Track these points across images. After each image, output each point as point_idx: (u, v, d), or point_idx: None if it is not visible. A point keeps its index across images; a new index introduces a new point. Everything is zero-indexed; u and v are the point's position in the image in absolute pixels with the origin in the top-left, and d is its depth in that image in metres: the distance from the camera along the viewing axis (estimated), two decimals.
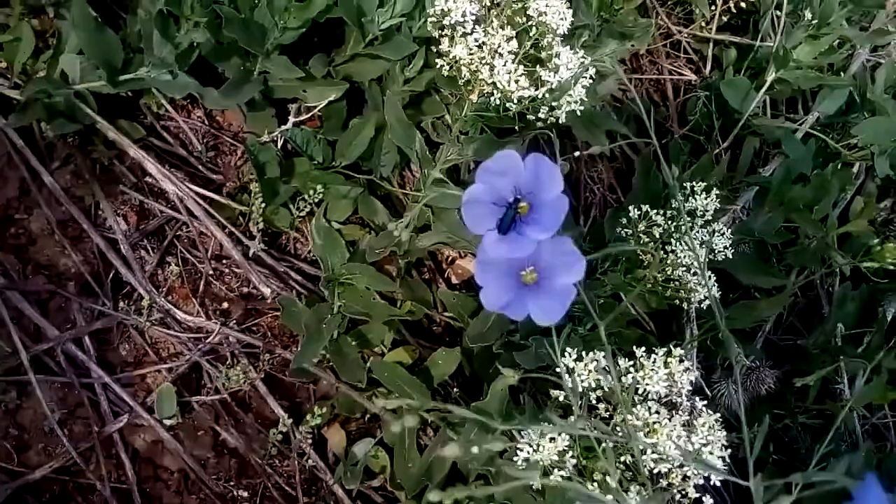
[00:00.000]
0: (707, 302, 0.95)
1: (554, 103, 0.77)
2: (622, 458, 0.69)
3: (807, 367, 1.34)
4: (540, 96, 0.79)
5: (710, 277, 0.94)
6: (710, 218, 0.99)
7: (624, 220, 0.99)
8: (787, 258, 1.35)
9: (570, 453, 0.68)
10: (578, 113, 0.80)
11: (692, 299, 0.94)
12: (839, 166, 1.36)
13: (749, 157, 1.35)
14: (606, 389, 0.71)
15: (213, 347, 1.12)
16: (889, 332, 1.29)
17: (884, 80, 1.39)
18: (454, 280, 1.31)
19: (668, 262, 0.94)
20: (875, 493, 0.34)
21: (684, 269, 0.93)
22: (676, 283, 0.96)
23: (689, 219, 0.98)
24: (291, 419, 1.10)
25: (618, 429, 0.66)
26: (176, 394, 1.09)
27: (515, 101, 0.79)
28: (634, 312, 1.12)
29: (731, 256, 0.98)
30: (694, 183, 0.98)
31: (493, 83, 0.78)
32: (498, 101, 0.80)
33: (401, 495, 1.16)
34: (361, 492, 1.14)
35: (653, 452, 0.66)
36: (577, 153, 0.97)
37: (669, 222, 0.99)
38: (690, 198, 0.98)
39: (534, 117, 0.81)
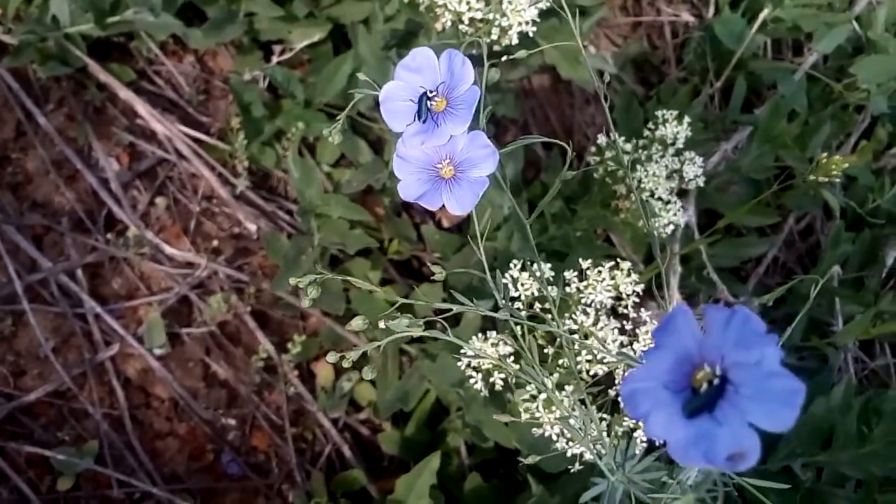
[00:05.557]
0: (672, 229, 0.95)
1: (505, 24, 0.78)
2: (561, 362, 0.70)
3: (800, 309, 1.33)
4: (491, 18, 0.79)
5: (676, 203, 0.94)
6: (681, 147, 0.98)
7: (594, 150, 0.99)
8: (784, 200, 1.33)
9: (512, 359, 0.70)
10: (531, 34, 0.80)
11: (658, 225, 0.94)
12: (841, 108, 1.34)
13: (741, 97, 1.33)
14: (552, 298, 0.72)
15: (201, 282, 1.16)
16: (889, 277, 1.27)
17: (884, 18, 1.35)
18: (445, 224, 1.32)
19: (635, 188, 0.94)
20: (684, 319, 0.32)
21: (648, 194, 0.93)
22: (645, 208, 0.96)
23: (660, 147, 0.98)
24: (275, 346, 1.14)
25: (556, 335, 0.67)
26: (166, 326, 1.13)
27: (466, 22, 0.80)
28: (612, 246, 1.13)
29: (702, 185, 0.98)
30: (665, 111, 0.98)
31: (444, 4, 0.79)
32: (450, 24, 0.81)
33: (386, 426, 1.19)
34: (349, 424, 1.18)
35: (587, 354, 0.68)
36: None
37: (641, 151, 0.99)
38: (661, 126, 0.97)
39: (488, 41, 0.81)
